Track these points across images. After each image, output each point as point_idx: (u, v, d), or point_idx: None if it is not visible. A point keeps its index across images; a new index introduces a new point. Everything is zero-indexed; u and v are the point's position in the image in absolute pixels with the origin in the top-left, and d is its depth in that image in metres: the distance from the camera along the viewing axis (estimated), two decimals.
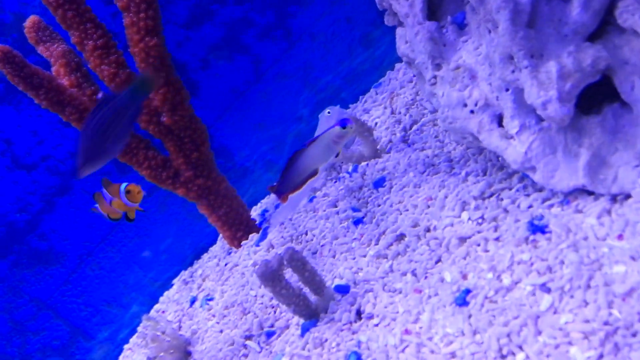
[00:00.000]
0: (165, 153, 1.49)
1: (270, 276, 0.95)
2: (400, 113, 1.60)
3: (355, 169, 1.38)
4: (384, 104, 1.70)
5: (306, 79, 1.99)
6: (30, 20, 1.45)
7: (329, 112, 1.51)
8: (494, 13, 0.88)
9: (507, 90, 0.92)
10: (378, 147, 1.43)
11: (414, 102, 1.62)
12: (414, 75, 1.70)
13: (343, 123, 1.02)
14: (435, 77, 1.07)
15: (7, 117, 1.77)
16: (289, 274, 1.01)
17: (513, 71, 0.88)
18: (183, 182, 1.48)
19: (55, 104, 1.36)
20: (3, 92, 1.74)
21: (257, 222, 1.64)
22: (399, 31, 1.26)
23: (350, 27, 1.97)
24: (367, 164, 1.38)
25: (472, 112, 0.97)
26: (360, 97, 1.96)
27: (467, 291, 0.84)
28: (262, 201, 1.90)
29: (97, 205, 1.16)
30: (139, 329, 1.63)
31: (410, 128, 1.50)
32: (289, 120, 2.01)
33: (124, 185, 1.09)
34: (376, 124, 1.61)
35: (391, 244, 1.06)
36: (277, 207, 1.70)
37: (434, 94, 1.09)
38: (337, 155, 1.11)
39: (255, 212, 1.81)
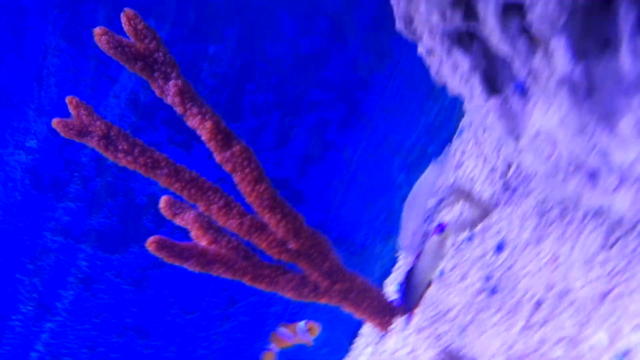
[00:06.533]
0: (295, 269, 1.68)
1: None
2: (492, 159, 1.65)
3: (472, 237, 1.46)
4: (475, 153, 1.76)
5: (392, 148, 2.12)
6: (163, 200, 1.74)
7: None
8: (552, 93, 0.95)
9: (592, 150, 0.97)
10: (485, 205, 1.50)
11: (501, 142, 1.66)
12: None
13: (440, 230, 1.11)
14: (518, 147, 1.14)
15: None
16: None
17: (591, 137, 0.94)
18: (324, 292, 1.65)
19: (206, 266, 1.61)
20: None
21: (397, 297, 1.76)
22: (467, 107, 1.36)
23: (415, 88, 2.08)
24: (482, 227, 1.45)
25: (564, 178, 1.03)
26: (447, 145, 2.04)
27: (625, 353, 0.88)
28: (393, 274, 2.02)
29: (272, 345, 1.38)
30: None
31: (508, 172, 1.55)
32: (390, 189, 2.14)
33: (303, 323, 1.33)
34: (472, 178, 1.68)
35: (533, 313, 1.12)
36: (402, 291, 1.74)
37: (523, 161, 1.16)
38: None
39: (391, 287, 1.93)
